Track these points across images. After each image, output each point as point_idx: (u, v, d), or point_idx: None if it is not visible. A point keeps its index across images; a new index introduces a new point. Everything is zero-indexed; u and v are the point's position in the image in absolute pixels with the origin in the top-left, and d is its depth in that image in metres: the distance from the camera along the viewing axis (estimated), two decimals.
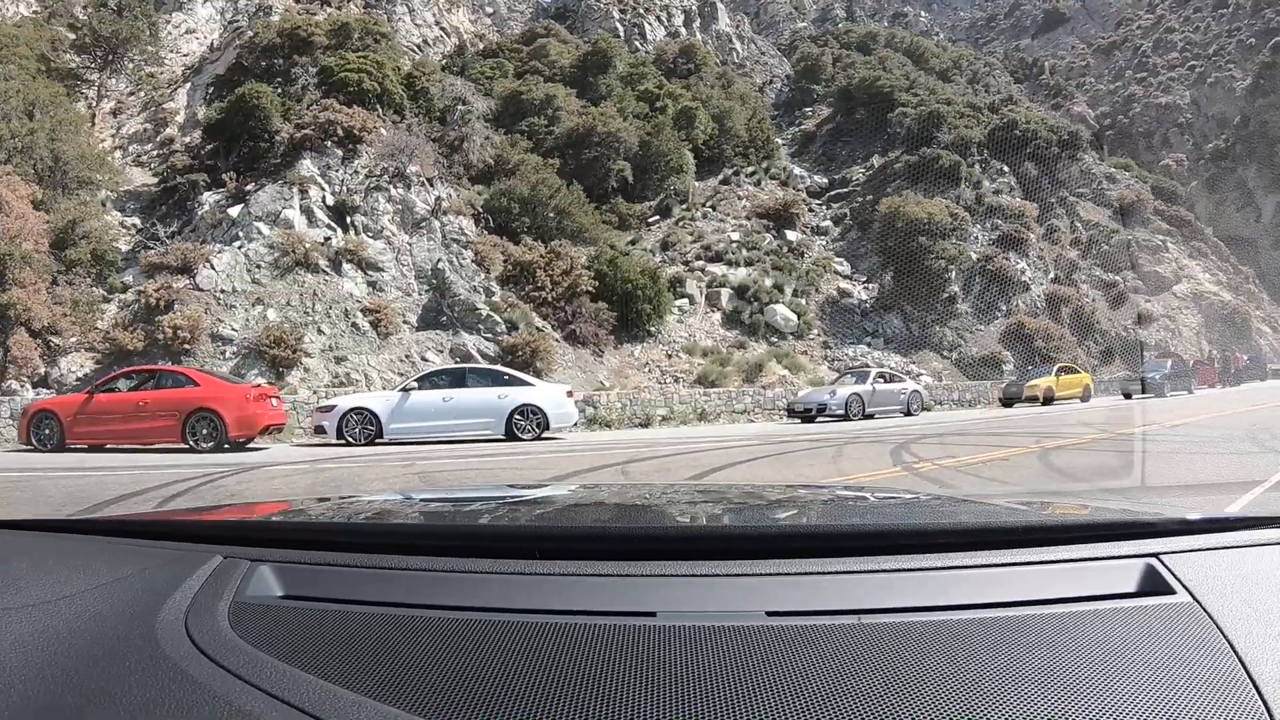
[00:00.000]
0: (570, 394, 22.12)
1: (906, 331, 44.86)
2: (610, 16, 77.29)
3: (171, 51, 55.06)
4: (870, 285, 48.04)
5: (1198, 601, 1.30)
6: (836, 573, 1.42)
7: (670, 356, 37.03)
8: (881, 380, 29.55)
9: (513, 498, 2.87)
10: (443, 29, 67.38)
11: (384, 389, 24.49)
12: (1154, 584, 1.38)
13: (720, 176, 56.03)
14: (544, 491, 3.06)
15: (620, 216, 48.17)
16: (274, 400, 19.78)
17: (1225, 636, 1.21)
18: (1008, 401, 35.64)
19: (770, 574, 1.42)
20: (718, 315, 42.02)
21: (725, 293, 43.29)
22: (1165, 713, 1.06)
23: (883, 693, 1.09)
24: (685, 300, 41.99)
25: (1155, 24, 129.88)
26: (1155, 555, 1.46)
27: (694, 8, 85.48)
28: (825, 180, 61.27)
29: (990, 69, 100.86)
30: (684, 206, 51.58)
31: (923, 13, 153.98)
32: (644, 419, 27.35)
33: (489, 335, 31.81)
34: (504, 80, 54.37)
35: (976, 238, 50.78)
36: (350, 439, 19.37)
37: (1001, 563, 1.46)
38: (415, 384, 20.96)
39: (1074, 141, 64.97)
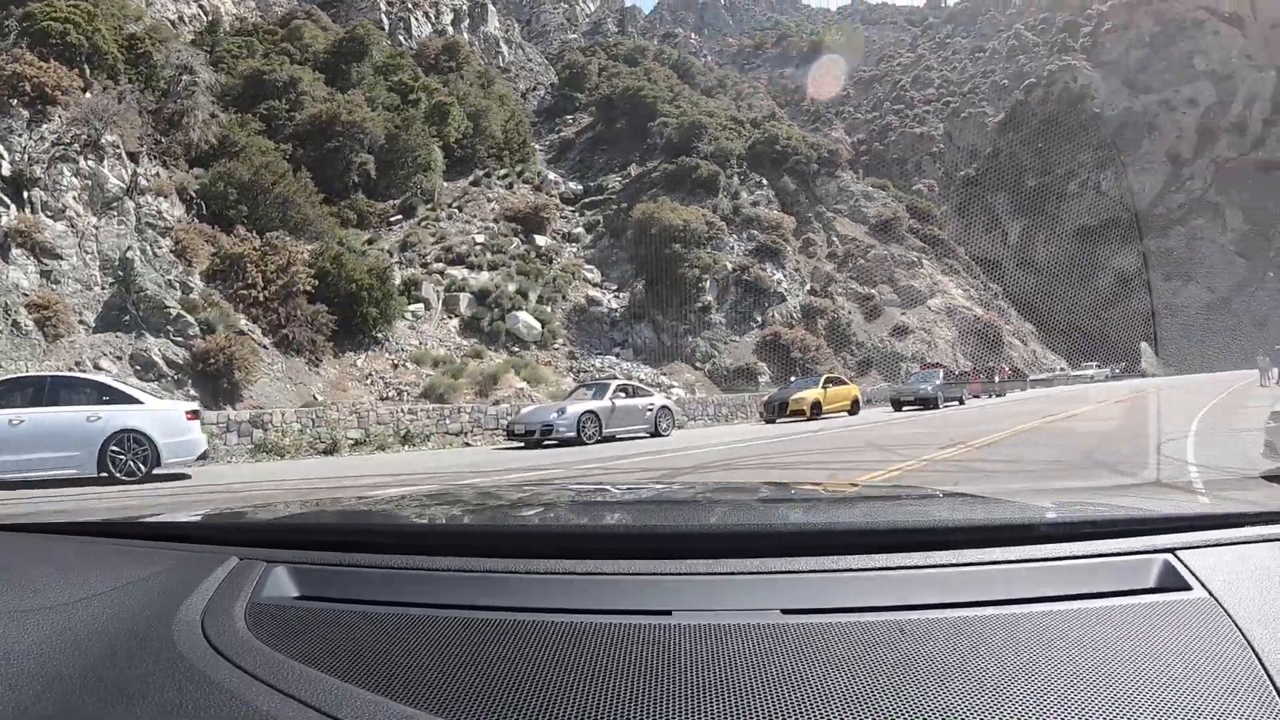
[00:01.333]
0: (196, 414, 16.30)
1: (658, 342, 42.43)
2: (376, 7, 72.14)
3: None
4: (621, 294, 45.85)
5: (1214, 597, 1.29)
6: (852, 570, 1.41)
7: (397, 367, 32.83)
8: (624, 394, 24.70)
9: (528, 497, 2.78)
10: (201, 6, 60.48)
11: None
12: (1170, 580, 1.35)
13: (471, 178, 53.10)
14: (558, 490, 3.30)
15: (360, 213, 44.40)
16: None
17: (1242, 632, 1.21)
18: (770, 416, 31.51)
19: (785, 571, 1.41)
20: (455, 322, 38.70)
21: (465, 297, 40.23)
22: (1183, 709, 1.06)
23: (900, 690, 1.09)
24: (420, 305, 38.13)
25: (915, 62, 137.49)
26: (1171, 550, 1.43)
27: (464, 7, 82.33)
28: (580, 187, 59.42)
29: (754, 90, 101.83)
30: (429, 206, 48.44)
31: (693, 35, 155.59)
32: (330, 444, 22.00)
33: (180, 339, 27.09)
34: (249, 60, 48.91)
35: (733, 248, 49.91)
36: None
37: (1018, 559, 1.44)
38: None
39: (833, 159, 64.93)
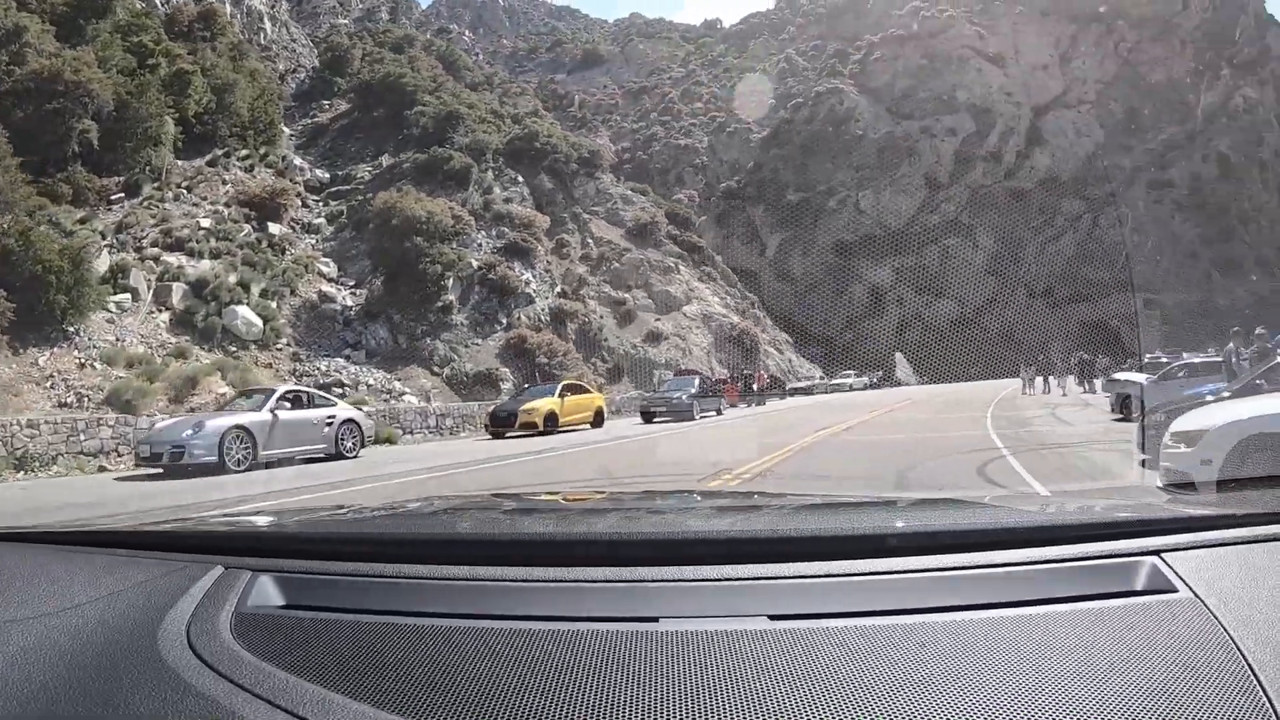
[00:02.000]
0: None
1: (394, 343, 40.13)
2: None
3: None
4: (358, 291, 43.56)
5: (1199, 598, 1.32)
6: (839, 575, 1.44)
7: (84, 367, 28.42)
8: (289, 404, 19.40)
9: (514, 505, 2.93)
10: None
11: None
12: (1157, 581, 1.39)
13: (209, 157, 48.69)
14: (545, 498, 3.48)
15: (77, 188, 39.02)
16: None
17: (1227, 632, 1.23)
18: (497, 430, 27.23)
19: (773, 578, 1.44)
20: (166, 316, 34.23)
21: (179, 288, 36.05)
22: (1170, 708, 1.08)
23: (888, 694, 1.11)
24: (128, 295, 33.49)
25: (686, 77, 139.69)
26: (1158, 552, 1.46)
27: None
28: (328, 175, 56.50)
29: (522, 91, 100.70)
30: (156, 185, 43.49)
31: (467, 32, 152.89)
32: None
33: None
34: None
35: (481, 245, 48.24)
36: None
37: (1006, 563, 1.46)
38: None
39: (593, 160, 63.92)
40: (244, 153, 51.41)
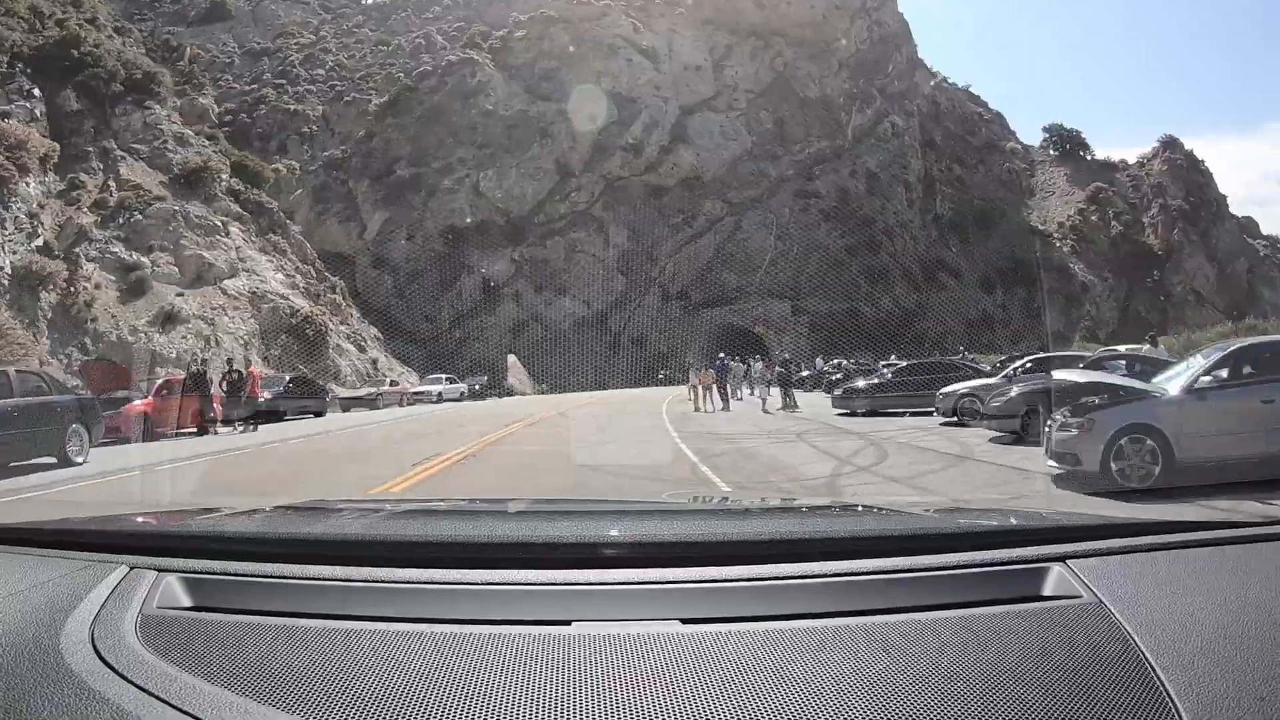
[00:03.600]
0: None
1: None
2: None
3: None
4: None
5: (1103, 603, 1.38)
6: (751, 580, 1.46)
7: None
8: None
9: (425, 506, 2.95)
10: None
11: None
12: (1063, 587, 1.44)
13: None
14: (459, 501, 3.51)
15: None
16: None
17: (1130, 635, 1.28)
18: None
19: (686, 581, 1.45)
20: None
21: None
22: (1077, 708, 1.11)
23: (797, 697, 1.11)
24: None
25: (314, 43, 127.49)
26: (1063, 559, 1.53)
27: None
28: None
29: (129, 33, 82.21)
30: None
31: None
32: None
33: None
34: None
35: None
36: None
37: (915, 568, 1.50)
38: None
39: (149, 85, 48.72)
40: None
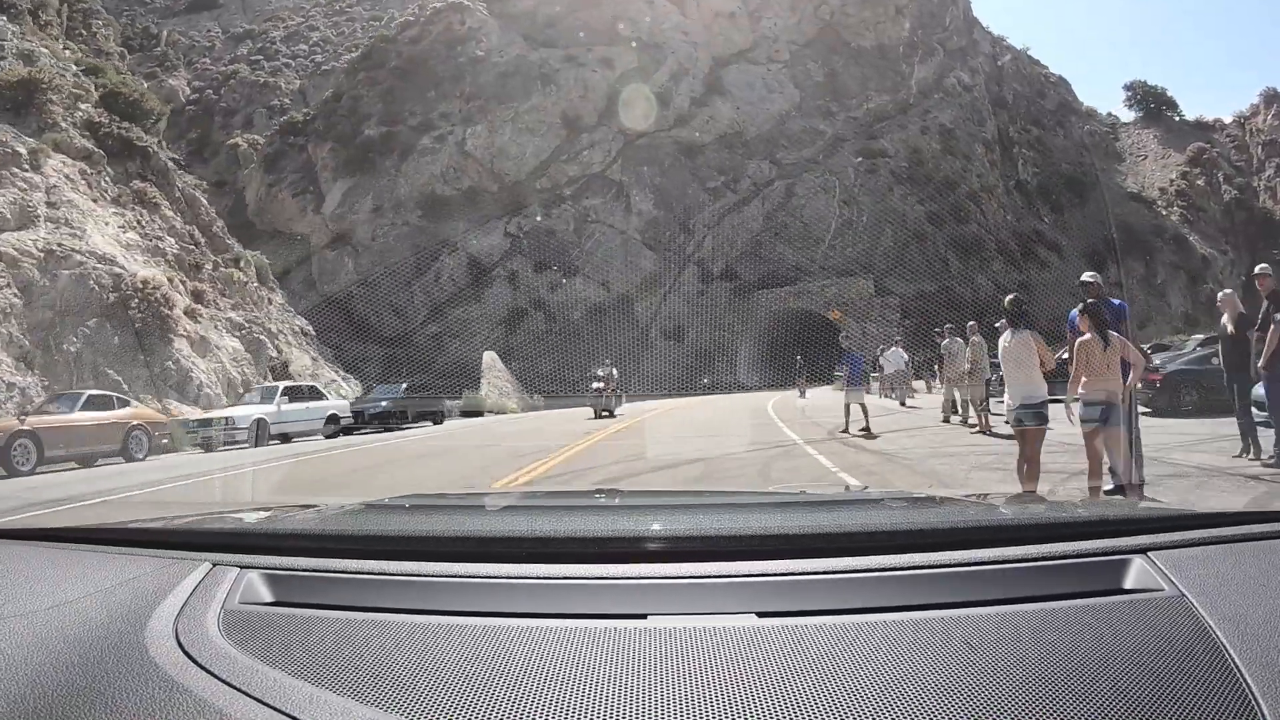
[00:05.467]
0: None
1: None
2: None
3: None
4: None
5: (1185, 595, 1.35)
6: (828, 573, 1.46)
7: None
8: None
9: (504, 503, 2.94)
10: None
11: None
12: (1144, 579, 1.42)
13: None
14: (537, 497, 3.56)
15: None
16: None
17: (1213, 630, 1.26)
18: None
19: (761, 575, 1.46)
20: None
21: None
22: (1156, 705, 1.09)
23: (875, 691, 1.11)
24: None
25: (301, 23, 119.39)
26: (1144, 550, 1.50)
27: None
28: None
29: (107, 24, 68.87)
30: None
31: None
32: None
33: None
34: None
35: None
36: None
37: (994, 560, 1.50)
38: None
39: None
40: None
